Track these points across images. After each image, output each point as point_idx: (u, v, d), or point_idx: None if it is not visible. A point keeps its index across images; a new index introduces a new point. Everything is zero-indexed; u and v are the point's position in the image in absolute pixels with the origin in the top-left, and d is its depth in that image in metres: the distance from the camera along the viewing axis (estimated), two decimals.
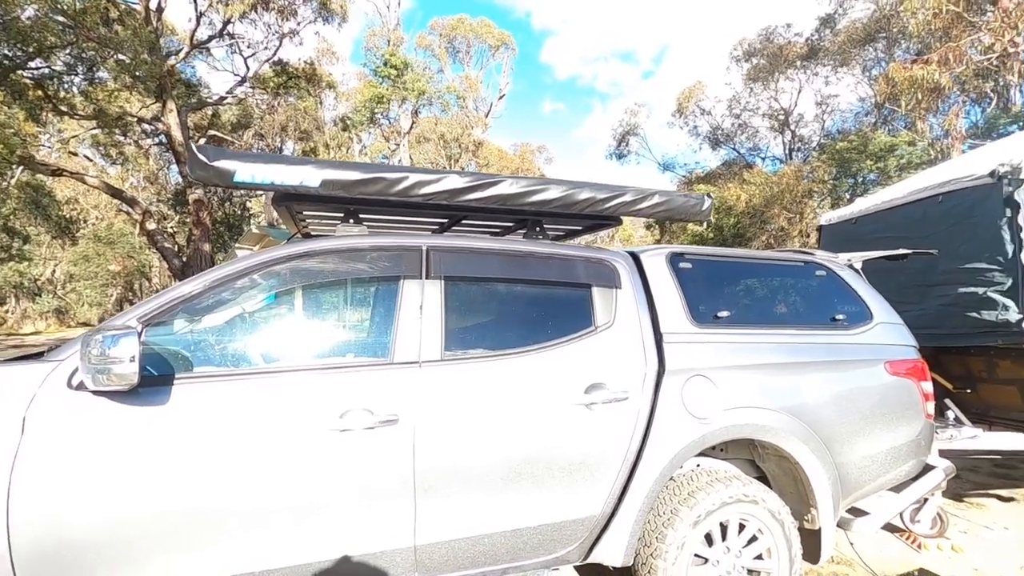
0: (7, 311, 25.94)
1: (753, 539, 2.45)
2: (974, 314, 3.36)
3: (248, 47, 18.51)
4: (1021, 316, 3.11)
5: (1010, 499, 4.52)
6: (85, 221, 27.52)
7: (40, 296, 26.65)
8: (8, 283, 24.07)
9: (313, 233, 3.06)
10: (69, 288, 27.72)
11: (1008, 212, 3.21)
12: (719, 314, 2.60)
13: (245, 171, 1.97)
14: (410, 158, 27.01)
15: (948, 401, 3.83)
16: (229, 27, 17.34)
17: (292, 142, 24.00)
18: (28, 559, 1.63)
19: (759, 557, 2.46)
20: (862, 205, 4.78)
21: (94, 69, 14.16)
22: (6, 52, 12.15)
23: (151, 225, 15.32)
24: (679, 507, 2.32)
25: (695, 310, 2.56)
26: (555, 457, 2.17)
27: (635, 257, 2.65)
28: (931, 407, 2.88)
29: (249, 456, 1.85)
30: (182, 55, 16.34)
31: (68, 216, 24.72)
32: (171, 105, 14.96)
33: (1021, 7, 10.85)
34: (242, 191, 17.58)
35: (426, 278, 2.19)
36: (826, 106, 24.14)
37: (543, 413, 2.19)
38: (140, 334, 1.73)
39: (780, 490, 2.69)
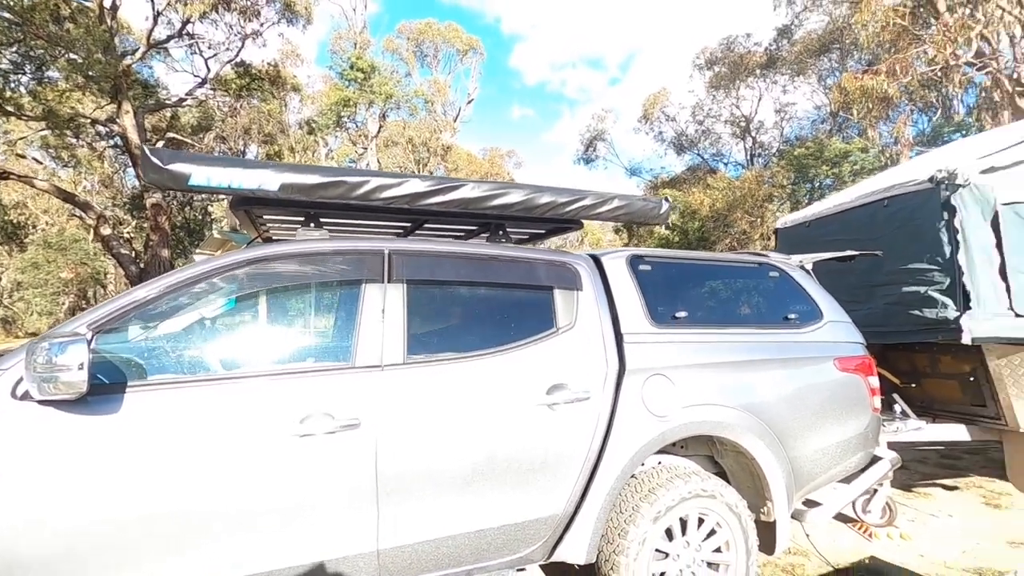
0: None
1: (712, 533, 2.53)
2: (917, 312, 3.54)
3: (209, 48, 18.07)
4: (958, 313, 3.29)
5: (954, 488, 4.76)
6: (34, 227, 26.30)
7: None
8: None
9: (274, 237, 3.02)
10: (17, 297, 26.44)
11: (945, 215, 3.40)
12: (677, 314, 2.68)
13: (200, 174, 1.94)
14: (378, 162, 26.75)
15: (896, 395, 4.01)
16: (189, 27, 16.91)
17: (256, 145, 23.48)
18: None
19: (718, 550, 2.53)
20: (815, 209, 4.97)
21: (43, 68, 13.60)
22: None
23: (106, 230, 14.76)
24: (640, 504, 2.37)
25: (654, 311, 2.63)
26: (518, 458, 2.20)
27: (596, 260, 2.71)
28: (877, 401, 3.02)
29: (206, 463, 1.82)
30: (138, 55, 15.85)
31: (15, 221, 23.58)
32: (127, 106, 14.47)
33: (960, 22, 11.47)
34: (203, 195, 17.11)
35: (388, 282, 2.19)
36: (785, 113, 25.00)
37: (506, 414, 2.22)
38: (90, 341, 1.69)
39: (737, 484, 2.78)
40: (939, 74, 13.12)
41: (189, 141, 20.48)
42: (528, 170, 37.97)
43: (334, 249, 2.21)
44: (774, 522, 2.67)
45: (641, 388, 2.44)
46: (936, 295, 3.42)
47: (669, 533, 2.45)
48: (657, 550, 2.40)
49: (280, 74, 19.99)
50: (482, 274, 2.41)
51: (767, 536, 2.69)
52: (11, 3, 11.44)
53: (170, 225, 17.14)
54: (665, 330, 2.61)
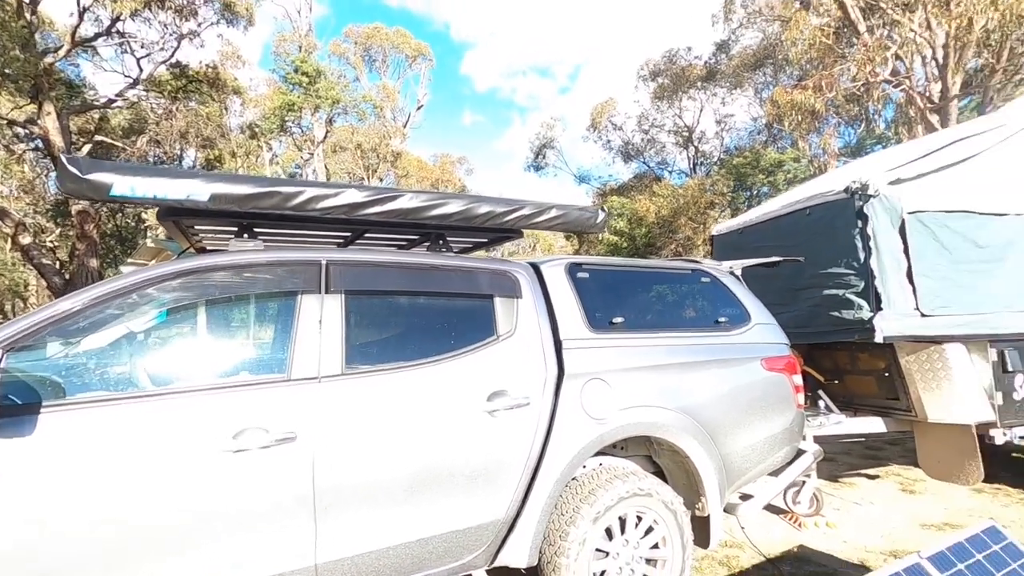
0: None
1: (649, 530, 2.62)
2: (836, 313, 3.79)
3: (142, 47, 17.22)
4: (872, 314, 3.55)
5: (876, 477, 5.10)
6: None
7: None
8: None
9: (208, 247, 2.93)
10: None
11: (859, 223, 3.66)
12: (614, 320, 2.77)
13: (123, 184, 1.87)
14: (325, 168, 26.15)
15: (821, 392, 4.28)
16: (119, 25, 16.08)
17: (194, 149, 22.50)
18: None
19: (655, 546, 2.63)
20: (747, 217, 5.25)
21: None
22: None
23: (26, 239, 13.77)
24: (580, 505, 2.43)
25: (592, 317, 2.72)
26: (459, 465, 2.22)
27: (536, 268, 2.77)
28: (801, 398, 3.21)
29: (131, 485, 1.75)
30: (62, 53, 14.92)
31: None
32: (49, 107, 13.60)
33: (878, 42, 12.35)
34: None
35: (326, 292, 2.18)
36: (724, 124, 26.12)
37: (447, 422, 2.24)
38: (0, 359, 1.60)
39: (674, 482, 2.89)
40: (861, 90, 14.07)
41: (120, 144, 19.42)
42: (479, 177, 38.11)
43: (269, 260, 2.17)
44: (708, 517, 2.80)
45: (580, 392, 2.52)
46: (852, 297, 3.68)
47: (609, 532, 2.53)
48: (597, 549, 2.47)
49: (220, 76, 19.29)
50: (422, 283, 2.42)
51: (702, 530, 2.82)
52: None
53: (99, 233, 16.18)
54: (603, 335, 2.70)
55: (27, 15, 13.18)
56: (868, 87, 13.48)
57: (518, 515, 2.36)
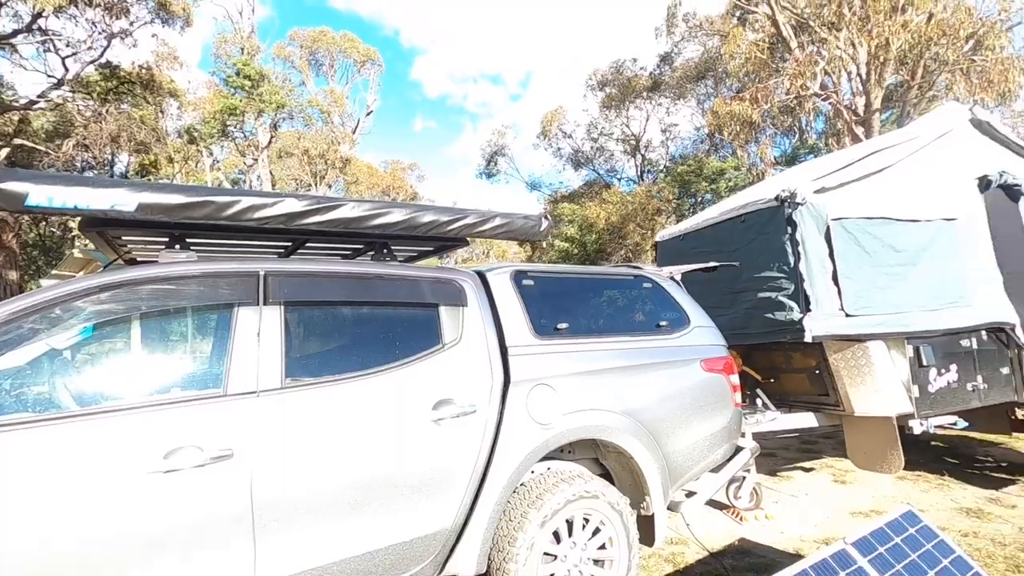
0: None
1: (596, 531, 2.67)
2: (770, 315, 3.99)
3: (67, 46, 16.27)
4: (802, 316, 3.76)
5: (811, 469, 5.38)
6: None
7: None
8: None
9: (139, 259, 2.80)
10: None
11: (789, 230, 3.88)
12: (559, 326, 2.82)
13: (40, 194, 1.77)
14: (271, 174, 25.36)
15: (758, 390, 4.48)
16: (41, 21, 15.14)
17: (126, 154, 21.36)
18: None
19: (602, 547, 2.68)
20: (688, 224, 5.45)
21: None
22: None
23: None
24: (528, 510, 2.46)
25: (537, 323, 2.76)
26: (405, 476, 2.20)
27: (481, 276, 2.79)
28: (739, 397, 3.36)
29: (52, 511, 1.65)
30: None
31: None
32: None
33: (808, 58, 13.13)
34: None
35: (264, 304, 2.12)
36: (669, 133, 27.03)
37: (392, 433, 2.22)
38: None
39: (620, 483, 2.96)
40: (794, 103, 14.90)
41: (43, 148, 18.24)
42: (431, 184, 37.90)
43: (202, 272, 2.10)
44: (653, 515, 2.88)
45: (526, 398, 2.55)
46: (784, 299, 3.88)
47: (556, 536, 2.56)
48: (545, 553, 2.50)
49: (155, 78, 18.45)
50: (366, 293, 2.40)
51: (648, 529, 2.90)
52: None
53: (19, 244, 15.11)
54: (548, 341, 2.74)
55: None
56: (800, 100, 14.29)
57: (466, 523, 2.36)
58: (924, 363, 3.99)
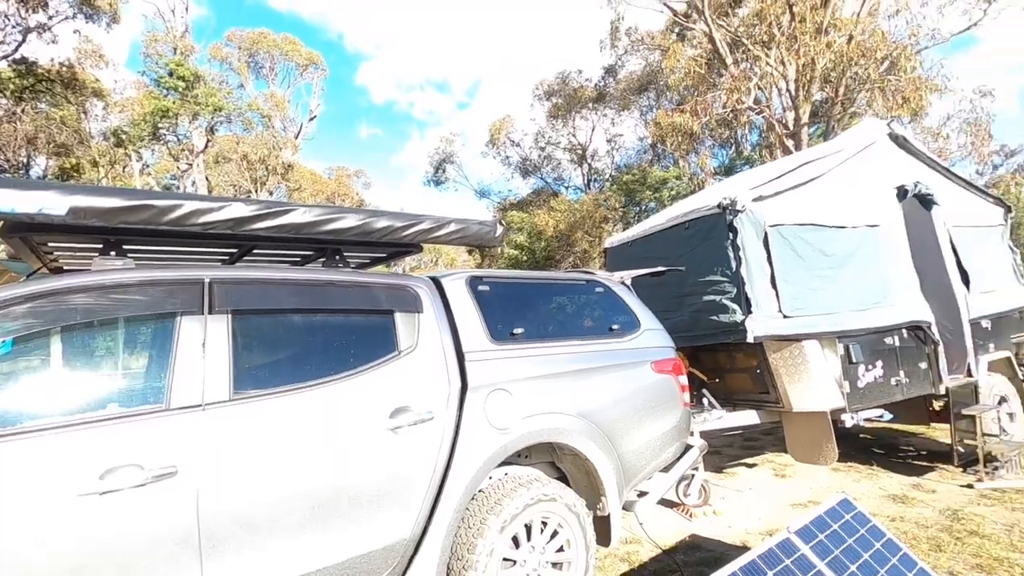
0: None
1: (555, 534, 2.69)
2: (714, 317, 4.16)
3: None
4: (744, 317, 3.94)
5: (754, 465, 5.62)
6: None
7: None
8: None
9: (65, 267, 2.62)
10: None
11: (730, 235, 4.06)
12: (515, 331, 2.84)
13: None
14: (207, 180, 24.22)
15: (704, 390, 4.65)
16: None
17: (44, 157, 19.89)
18: None
19: (560, 549, 2.70)
20: (636, 230, 5.61)
21: None
22: None
23: None
24: (487, 516, 2.45)
25: (493, 328, 2.77)
26: (362, 487, 2.15)
27: (436, 282, 2.77)
28: (687, 396, 3.48)
29: None
30: None
31: None
32: None
33: (742, 74, 13.85)
34: None
35: (209, 313, 2.03)
36: (615, 143, 27.76)
37: (347, 444, 2.16)
38: None
39: (576, 485, 3.00)
40: (730, 116, 15.65)
41: None
42: (377, 191, 37.33)
43: (141, 280, 1.98)
44: (609, 516, 2.93)
45: (483, 404, 2.54)
46: (727, 302, 4.06)
47: (515, 540, 2.56)
48: (504, 559, 2.50)
49: (77, 76, 17.34)
50: (317, 300, 2.33)
51: (604, 529, 2.94)
52: None
53: None
54: (504, 346, 2.75)
55: None
56: (736, 113, 15.02)
57: (424, 532, 2.32)
58: (853, 360, 4.26)
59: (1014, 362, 5.54)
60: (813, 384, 4.09)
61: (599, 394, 2.96)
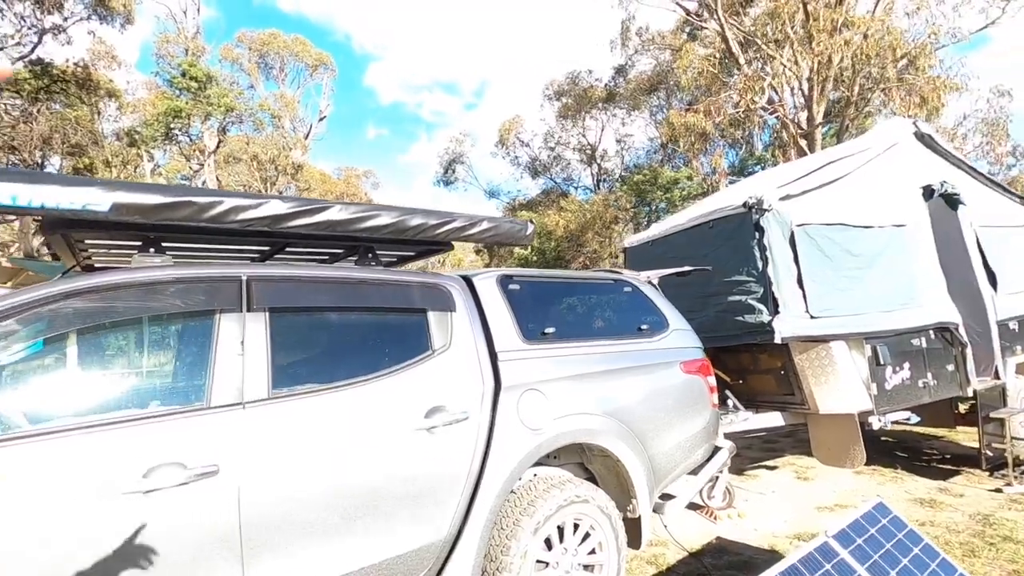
0: None
1: (587, 536, 2.66)
2: (740, 318, 4.12)
3: None
4: (771, 318, 3.89)
5: (775, 467, 5.56)
6: None
7: None
8: None
9: (97, 265, 2.61)
10: None
11: (757, 235, 4.02)
12: (546, 330, 2.81)
13: (3, 192, 1.62)
14: (217, 180, 24.36)
15: (728, 392, 4.59)
16: None
17: (59, 157, 20.04)
18: None
19: (592, 552, 2.67)
20: (657, 230, 5.57)
21: None
22: None
23: None
24: (520, 517, 2.42)
25: (525, 328, 2.74)
26: (399, 487, 2.13)
27: (468, 280, 2.75)
28: (716, 398, 3.44)
29: (5, 541, 1.50)
30: None
31: None
32: None
33: (756, 74, 13.75)
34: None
35: (248, 311, 2.01)
36: (624, 144, 27.67)
37: (384, 443, 2.14)
38: None
39: (605, 487, 2.96)
40: (742, 115, 15.56)
41: None
42: (386, 191, 37.31)
43: (180, 277, 1.97)
44: (639, 518, 2.89)
45: (516, 404, 2.52)
46: (753, 303, 4.01)
47: (548, 542, 2.53)
48: (538, 561, 2.47)
49: (91, 77, 17.47)
50: (353, 299, 2.32)
51: (633, 532, 2.91)
52: None
53: None
54: (536, 346, 2.73)
55: None
56: (748, 113, 14.92)
57: (459, 533, 2.30)
58: (881, 362, 4.19)
59: None
60: (840, 386, 4.04)
61: (630, 395, 2.93)
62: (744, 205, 4.10)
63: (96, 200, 1.74)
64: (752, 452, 6.12)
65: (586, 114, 26.62)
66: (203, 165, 23.59)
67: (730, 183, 16.05)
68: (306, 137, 30.06)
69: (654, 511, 3.18)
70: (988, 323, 4.97)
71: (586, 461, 3.03)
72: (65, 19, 16.49)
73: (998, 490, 4.41)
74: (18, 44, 15.85)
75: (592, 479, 3.04)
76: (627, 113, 26.31)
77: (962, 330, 4.69)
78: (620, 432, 2.81)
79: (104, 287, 1.83)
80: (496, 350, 2.58)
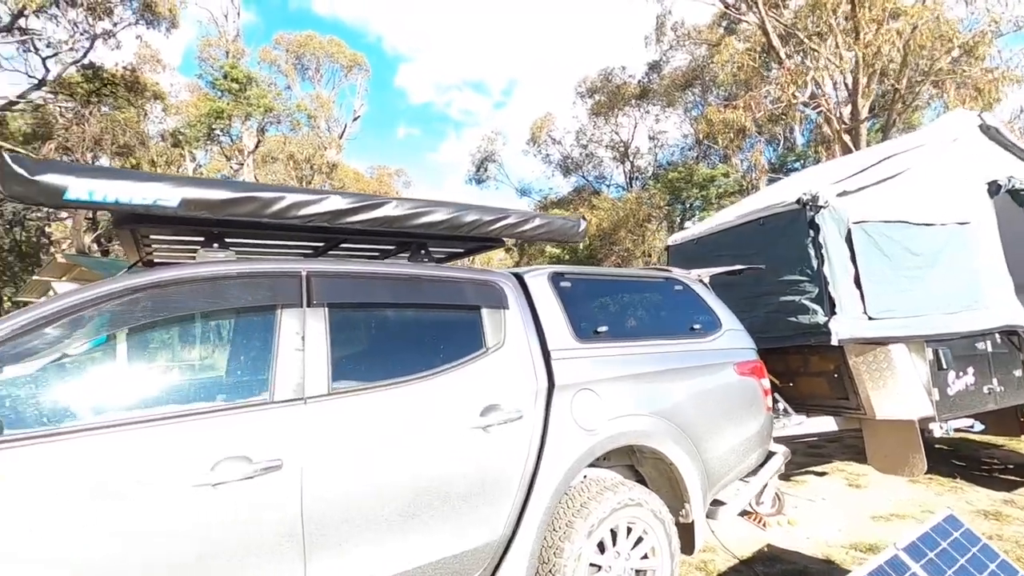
0: None
1: (639, 540, 2.60)
2: (793, 319, 3.97)
3: (48, 46, 15.88)
4: (827, 319, 3.74)
5: (823, 473, 5.37)
6: None
7: None
8: None
9: (157, 261, 2.67)
10: None
11: (811, 233, 3.87)
12: (598, 329, 2.76)
13: (80, 187, 1.65)
14: (255, 178, 24.98)
15: (776, 395, 4.45)
16: (21, 21, 14.75)
17: (108, 157, 20.85)
18: None
19: (645, 556, 2.60)
20: (702, 227, 5.43)
21: None
22: None
23: None
24: (574, 519, 2.38)
25: (577, 326, 2.69)
26: (456, 486, 2.11)
27: (519, 277, 2.71)
28: (770, 401, 3.32)
29: (88, 527, 1.53)
30: None
31: None
32: None
33: (799, 68, 13.34)
34: (68, 211, 14.85)
35: (308, 306, 2.02)
36: (658, 141, 27.25)
37: (441, 441, 2.12)
38: None
39: (656, 490, 2.89)
40: (782, 111, 15.12)
41: (19, 151, 17.73)
42: (417, 189, 37.63)
43: (243, 272, 1.98)
44: (692, 523, 2.82)
45: (570, 403, 2.47)
46: (808, 303, 3.86)
47: (601, 545, 2.48)
48: (591, 564, 2.42)
49: (139, 80, 18.11)
50: (409, 295, 2.30)
51: (686, 537, 2.83)
52: None
53: None
54: (588, 345, 2.67)
55: None
56: (789, 108, 14.49)
57: (514, 534, 2.27)
58: (943, 366, 3.99)
59: None
60: (900, 391, 3.86)
61: (683, 396, 2.85)
62: (798, 202, 3.95)
63: (166, 196, 1.77)
64: (797, 457, 5.90)
65: (619, 111, 26.31)
66: (243, 164, 24.21)
67: (769, 180, 15.61)
68: (341, 136, 30.58)
69: (706, 517, 3.10)
70: None
71: (636, 463, 2.96)
72: (115, 24, 17.11)
73: None
74: (71, 49, 16.54)
75: (641, 481, 2.97)
76: (661, 110, 25.91)
77: None
78: (674, 434, 2.73)
79: (174, 281, 1.85)
80: (549, 348, 2.54)
